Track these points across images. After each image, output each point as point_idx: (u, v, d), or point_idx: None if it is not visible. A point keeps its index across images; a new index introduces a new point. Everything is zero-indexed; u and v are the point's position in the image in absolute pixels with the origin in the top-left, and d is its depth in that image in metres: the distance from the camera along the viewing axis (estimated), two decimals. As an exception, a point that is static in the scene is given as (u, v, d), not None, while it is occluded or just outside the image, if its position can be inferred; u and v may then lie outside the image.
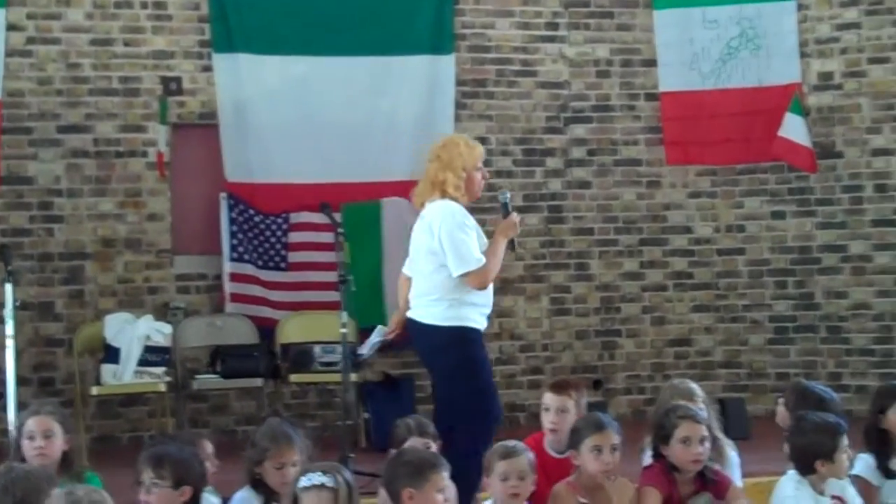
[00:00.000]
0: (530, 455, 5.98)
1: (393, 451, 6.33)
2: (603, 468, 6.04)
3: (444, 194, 7.34)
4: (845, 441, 6.22)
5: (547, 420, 6.75)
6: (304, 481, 5.08)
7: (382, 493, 6.47)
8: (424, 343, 7.21)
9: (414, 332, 7.26)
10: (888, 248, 10.92)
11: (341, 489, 5.02)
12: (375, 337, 7.66)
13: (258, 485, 6.10)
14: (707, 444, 6.20)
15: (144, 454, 5.74)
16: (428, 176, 7.43)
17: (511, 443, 6.01)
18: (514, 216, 7.42)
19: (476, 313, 7.17)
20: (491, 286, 7.26)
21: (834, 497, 6.27)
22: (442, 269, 7.14)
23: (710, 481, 6.25)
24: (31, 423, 6.12)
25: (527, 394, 10.91)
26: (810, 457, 6.20)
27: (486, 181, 7.50)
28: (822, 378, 10.94)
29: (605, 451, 6.06)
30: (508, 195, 7.52)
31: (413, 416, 7.11)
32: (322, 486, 5.02)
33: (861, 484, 6.59)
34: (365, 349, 7.80)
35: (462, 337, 7.08)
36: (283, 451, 6.05)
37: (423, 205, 7.44)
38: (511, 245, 7.41)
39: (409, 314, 7.28)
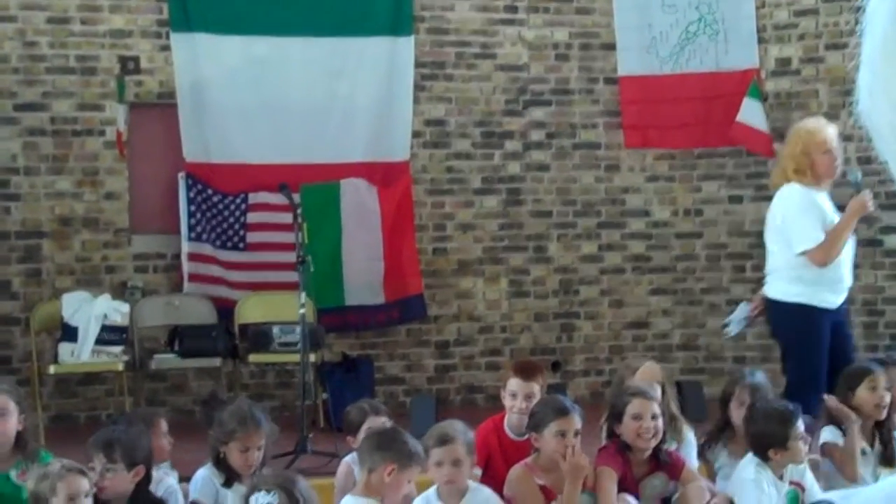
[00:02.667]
0: (470, 436, 5.96)
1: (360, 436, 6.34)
2: (565, 452, 6.07)
3: (788, 177, 7.59)
4: (799, 428, 6.28)
5: (514, 405, 6.72)
6: (252, 502, 5.14)
7: (340, 471, 6.51)
8: (769, 318, 7.78)
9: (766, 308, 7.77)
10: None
11: None
12: (741, 313, 7.83)
13: (220, 464, 6.11)
14: (659, 422, 6.24)
15: (94, 440, 5.76)
16: (778, 159, 7.88)
17: (448, 427, 6.00)
18: (865, 194, 7.48)
19: (823, 290, 7.47)
20: (841, 264, 7.48)
21: (793, 483, 6.33)
22: (786, 247, 7.50)
23: (664, 462, 6.30)
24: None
25: (485, 375, 10.94)
26: (764, 445, 6.27)
27: (836, 163, 7.53)
28: (779, 361, 11.01)
29: (569, 436, 6.09)
30: (859, 174, 7.56)
31: (363, 400, 7.14)
32: None
33: (833, 451, 6.75)
34: (732, 326, 7.95)
35: (800, 313, 7.45)
36: (251, 435, 6.09)
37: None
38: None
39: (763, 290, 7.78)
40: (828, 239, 7.38)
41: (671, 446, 6.54)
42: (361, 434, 6.41)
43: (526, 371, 6.89)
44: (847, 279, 7.58)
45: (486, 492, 5.96)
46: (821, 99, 11.06)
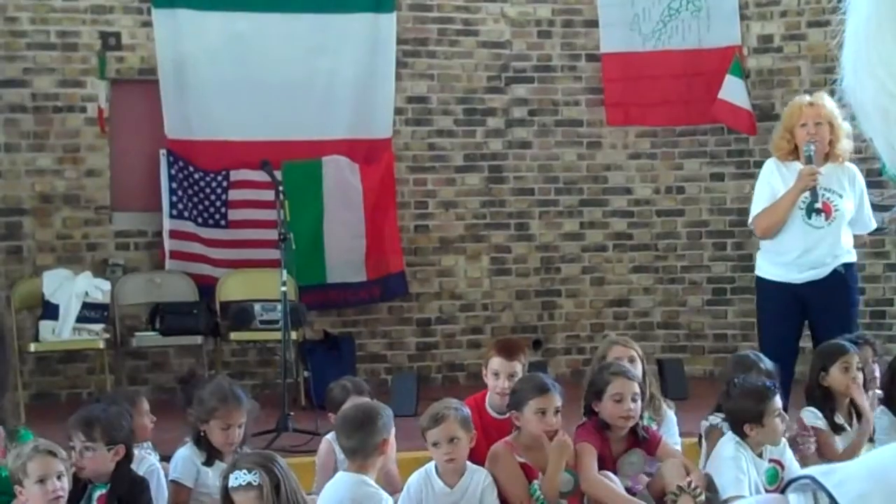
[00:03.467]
0: (464, 412, 6.00)
1: (339, 414, 6.37)
2: (546, 430, 6.09)
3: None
4: (776, 405, 6.30)
5: (497, 385, 6.72)
6: (231, 480, 5.14)
7: (322, 448, 6.53)
8: None
9: None
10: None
11: (266, 488, 5.07)
12: None
13: (201, 442, 6.12)
14: (639, 402, 6.27)
15: (73, 419, 5.76)
16: None
17: (440, 406, 6.03)
18: (812, 167, 7.44)
19: (767, 262, 7.69)
20: (799, 237, 7.52)
21: (773, 461, 6.35)
22: None
23: (641, 438, 6.33)
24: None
25: (466, 353, 10.95)
26: (740, 421, 6.30)
27: (811, 137, 7.51)
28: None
29: (549, 414, 6.11)
30: (813, 147, 7.47)
31: (346, 378, 7.15)
32: (249, 484, 5.08)
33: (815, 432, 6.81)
34: None
35: (759, 285, 7.85)
36: (231, 412, 6.10)
37: None
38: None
39: None
40: (766, 209, 7.51)
41: (651, 425, 6.57)
42: None
43: (508, 350, 6.90)
44: (812, 255, 7.51)
45: (483, 473, 5.98)
46: (803, 76, 11.07)
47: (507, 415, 6.35)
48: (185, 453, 6.18)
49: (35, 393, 9.92)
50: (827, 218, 7.45)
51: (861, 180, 7.69)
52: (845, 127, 7.52)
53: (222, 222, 10.45)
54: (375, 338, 10.83)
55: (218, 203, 10.44)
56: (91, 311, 9.37)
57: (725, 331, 11.18)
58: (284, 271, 8.25)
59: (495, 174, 11.20)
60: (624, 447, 6.35)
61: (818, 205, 7.37)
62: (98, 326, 9.43)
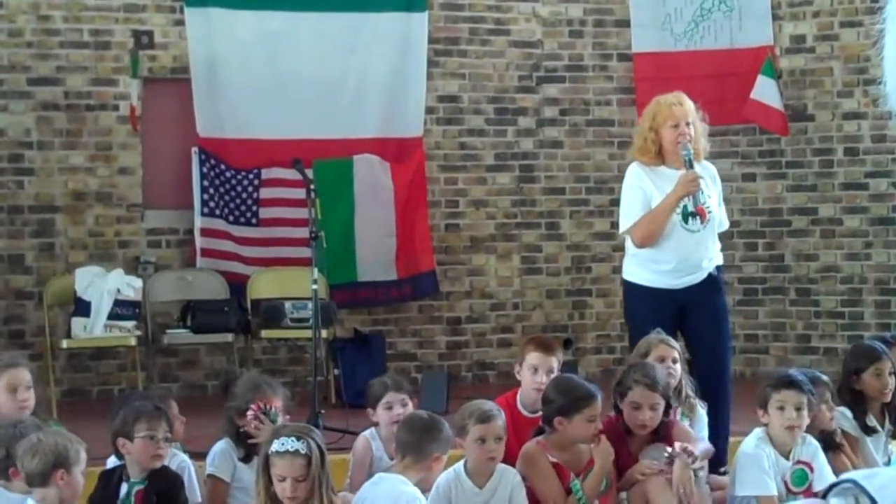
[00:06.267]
0: (503, 416, 6.03)
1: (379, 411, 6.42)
2: (595, 434, 6.11)
3: (634, 155, 7.45)
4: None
5: (534, 380, 6.71)
6: (276, 445, 5.13)
7: (358, 444, 6.55)
8: None
9: None
10: (857, 211, 10.98)
11: (314, 456, 5.09)
12: None
13: (240, 438, 6.15)
14: (659, 410, 6.28)
15: (151, 411, 5.82)
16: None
17: (487, 405, 6.04)
18: (692, 172, 7.17)
19: (641, 268, 7.34)
20: (678, 243, 7.25)
21: (801, 462, 6.32)
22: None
23: (662, 435, 6.36)
24: (14, 375, 6.10)
25: (496, 352, 10.95)
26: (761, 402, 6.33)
27: (683, 138, 7.22)
28: (791, 340, 11.04)
29: (596, 421, 6.13)
30: (691, 151, 7.20)
31: (387, 374, 7.19)
32: (297, 452, 5.09)
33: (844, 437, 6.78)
34: None
35: (628, 290, 7.51)
36: (269, 398, 6.14)
37: None
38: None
39: None
40: (642, 219, 7.17)
41: (684, 421, 6.58)
42: (379, 409, 6.45)
43: (546, 345, 6.90)
44: (691, 261, 7.26)
45: (512, 472, 5.99)
46: (835, 76, 11.03)
47: (538, 413, 6.35)
48: (223, 448, 6.20)
49: (66, 389, 9.96)
50: (702, 221, 7.23)
51: (718, 178, 7.52)
52: (702, 126, 7.38)
53: (253, 220, 10.47)
54: (406, 336, 10.84)
55: (249, 201, 10.46)
56: (123, 309, 9.40)
57: (756, 331, 11.14)
58: (315, 269, 8.25)
59: (526, 173, 11.19)
60: (645, 442, 6.38)
61: (692, 209, 7.15)
62: (130, 323, 9.45)
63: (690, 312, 7.28)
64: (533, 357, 6.78)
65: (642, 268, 7.30)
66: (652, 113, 7.32)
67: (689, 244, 7.23)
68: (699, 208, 7.17)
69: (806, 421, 6.28)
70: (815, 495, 6.12)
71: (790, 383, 6.30)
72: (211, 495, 6.11)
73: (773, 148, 11.18)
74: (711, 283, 7.37)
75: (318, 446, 5.16)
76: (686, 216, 7.18)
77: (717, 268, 7.42)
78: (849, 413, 6.91)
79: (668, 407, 6.40)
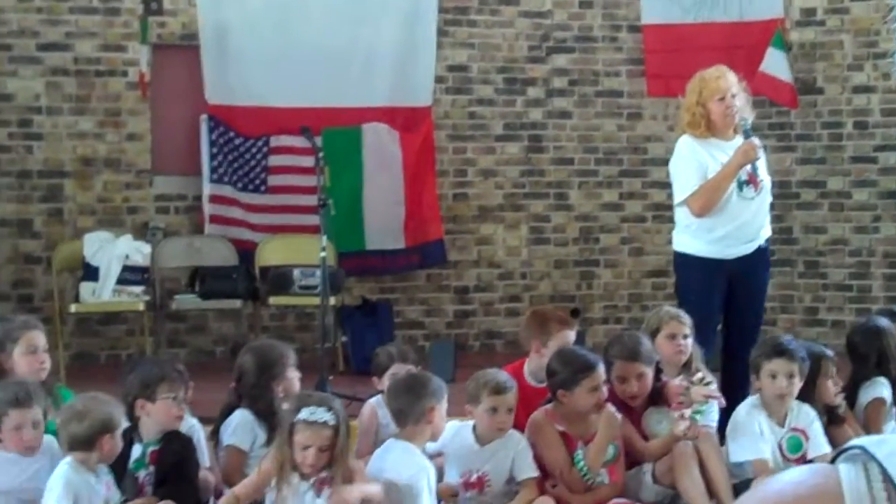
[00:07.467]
0: (516, 388, 6.07)
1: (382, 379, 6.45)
2: (598, 403, 6.15)
3: (683, 129, 7.51)
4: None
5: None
6: (305, 414, 5.16)
7: (364, 412, 6.58)
8: None
9: None
10: (866, 184, 10.97)
11: (341, 427, 5.16)
12: None
13: (260, 412, 6.15)
14: (646, 380, 6.40)
15: (173, 373, 5.89)
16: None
17: (502, 376, 6.10)
18: (752, 141, 7.28)
19: (694, 239, 7.36)
20: (733, 214, 7.29)
21: (796, 429, 6.34)
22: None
23: (657, 396, 6.45)
24: (32, 338, 6.14)
25: (504, 321, 10.96)
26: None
27: (731, 111, 7.33)
28: (799, 312, 11.05)
29: (600, 390, 6.16)
30: (749, 121, 7.36)
31: (393, 343, 7.19)
32: (325, 423, 5.14)
33: (878, 405, 6.79)
34: None
35: (683, 262, 7.48)
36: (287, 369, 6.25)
37: None
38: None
39: None
40: (702, 187, 7.22)
41: (696, 417, 6.62)
42: (385, 379, 6.46)
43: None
44: (746, 229, 7.35)
45: (518, 436, 6.04)
46: (845, 50, 11.01)
47: (545, 384, 6.38)
48: (243, 418, 6.17)
49: (75, 353, 9.98)
50: (755, 189, 7.31)
51: (762, 147, 7.57)
52: (745, 96, 7.45)
53: (262, 188, 10.48)
54: (413, 305, 10.86)
55: (258, 168, 10.47)
56: (131, 274, 9.42)
57: (765, 304, 11.13)
58: (324, 237, 8.26)
59: (535, 143, 11.19)
60: (645, 406, 6.47)
61: (744, 177, 7.24)
62: (138, 289, 9.46)
63: (737, 284, 7.35)
64: (562, 336, 6.81)
65: (696, 238, 7.35)
66: (698, 88, 7.40)
67: (746, 212, 7.32)
68: (750, 176, 7.23)
69: (797, 388, 6.32)
70: (811, 462, 6.19)
71: (782, 352, 6.35)
72: (230, 466, 6.09)
73: (782, 121, 11.16)
74: (761, 257, 7.46)
75: (343, 418, 5.22)
76: (741, 185, 7.26)
77: (767, 240, 7.47)
78: (888, 383, 6.92)
79: (658, 372, 6.49)
